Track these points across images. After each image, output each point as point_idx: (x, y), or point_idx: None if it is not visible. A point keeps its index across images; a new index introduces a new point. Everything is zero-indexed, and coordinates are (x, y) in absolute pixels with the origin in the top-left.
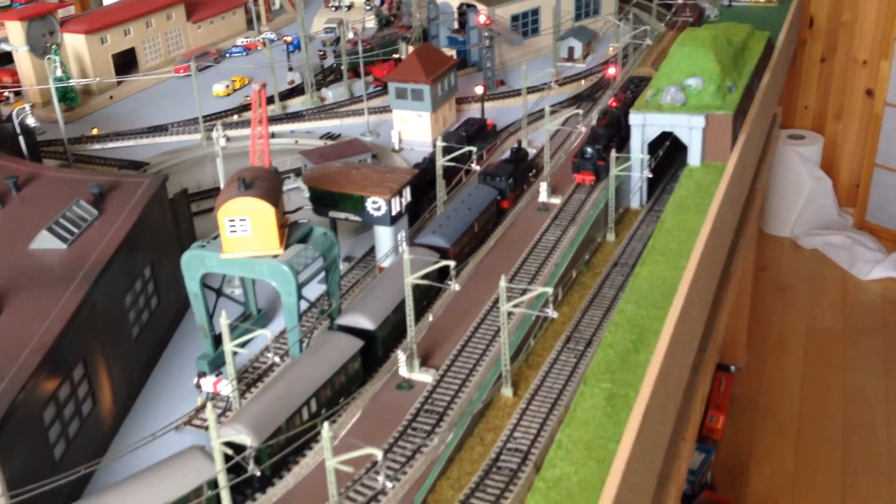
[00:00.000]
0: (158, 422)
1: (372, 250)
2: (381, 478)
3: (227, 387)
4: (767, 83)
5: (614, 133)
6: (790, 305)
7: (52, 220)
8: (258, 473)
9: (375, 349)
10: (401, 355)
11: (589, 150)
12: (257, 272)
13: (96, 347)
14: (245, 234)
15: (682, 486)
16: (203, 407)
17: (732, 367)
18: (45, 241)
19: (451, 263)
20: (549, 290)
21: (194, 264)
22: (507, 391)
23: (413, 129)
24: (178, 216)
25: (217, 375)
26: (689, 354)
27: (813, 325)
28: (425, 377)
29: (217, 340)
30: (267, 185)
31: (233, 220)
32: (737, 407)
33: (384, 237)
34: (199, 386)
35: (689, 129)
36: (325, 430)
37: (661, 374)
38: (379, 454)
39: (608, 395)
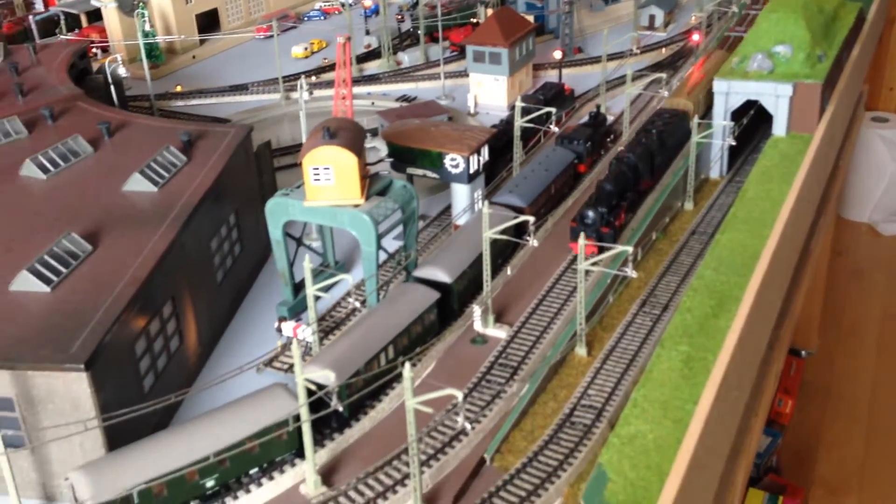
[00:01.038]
0: (240, 363)
1: (447, 209)
2: (460, 419)
3: (306, 331)
4: (857, 56)
5: (626, 187)
6: (865, 292)
7: (144, 164)
8: (340, 408)
9: (451, 302)
10: (476, 310)
11: (590, 213)
12: (338, 221)
13: (184, 287)
14: (328, 183)
15: (751, 462)
16: (283, 350)
17: (803, 352)
18: (137, 184)
19: (531, 218)
20: (630, 248)
21: (278, 211)
22: (581, 350)
23: (489, 93)
24: (262, 167)
25: (297, 321)
26: (767, 326)
27: (889, 311)
28: (499, 333)
29: (297, 288)
30: (351, 135)
31: (317, 169)
32: (806, 392)
33: (461, 195)
34: (279, 330)
35: (776, 98)
36: (407, 369)
37: (741, 340)
38: (459, 395)
39: (685, 357)
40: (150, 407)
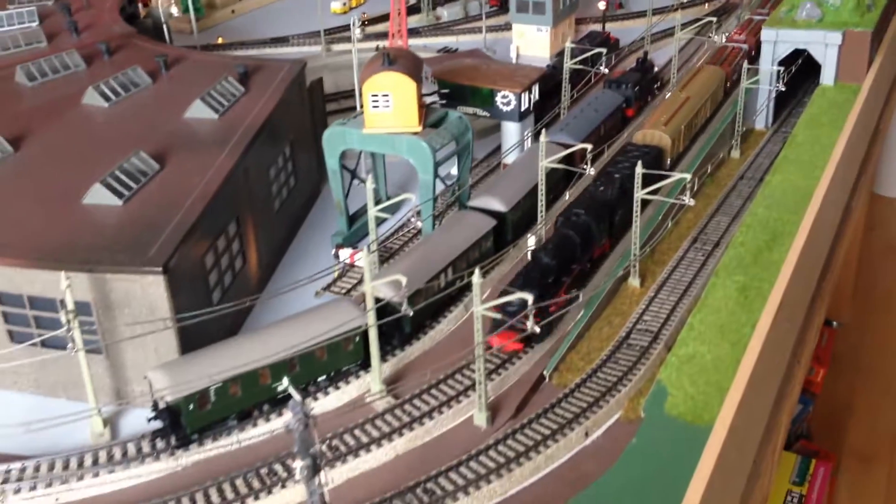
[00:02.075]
0: (297, 289)
1: (494, 152)
2: (530, 322)
3: (363, 259)
4: None
5: (571, 258)
6: None
7: (205, 92)
8: (411, 313)
9: (505, 232)
10: (531, 240)
11: (511, 305)
12: (396, 148)
13: (247, 210)
14: (387, 110)
15: (794, 407)
16: (341, 276)
17: (835, 323)
18: (198, 111)
19: (588, 146)
20: (688, 175)
21: (335, 140)
22: (634, 281)
23: (531, 43)
24: (314, 103)
25: (354, 248)
26: (816, 269)
27: None
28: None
29: (351, 219)
30: (410, 63)
31: (376, 96)
32: (837, 362)
33: (511, 133)
34: (337, 256)
35: (825, 47)
36: (476, 276)
37: (796, 271)
38: (530, 297)
39: (741, 287)
40: (223, 309)
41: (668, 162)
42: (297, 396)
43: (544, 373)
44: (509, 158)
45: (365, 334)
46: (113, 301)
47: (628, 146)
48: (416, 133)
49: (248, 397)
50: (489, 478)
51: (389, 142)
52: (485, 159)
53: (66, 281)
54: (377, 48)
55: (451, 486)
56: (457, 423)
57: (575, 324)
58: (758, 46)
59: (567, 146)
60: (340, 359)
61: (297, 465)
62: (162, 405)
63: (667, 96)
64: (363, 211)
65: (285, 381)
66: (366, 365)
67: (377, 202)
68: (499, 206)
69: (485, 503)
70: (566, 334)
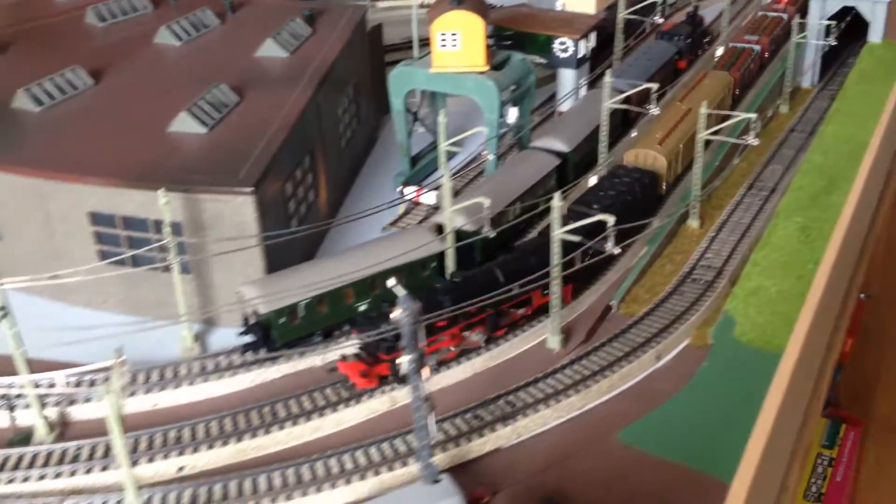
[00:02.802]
0: (363, 225)
1: (547, 101)
2: (609, 244)
3: (429, 196)
4: None
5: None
6: None
7: (274, 32)
8: (493, 234)
9: (567, 172)
10: (592, 179)
11: (386, 341)
12: (462, 88)
13: (318, 145)
14: (454, 49)
15: (842, 339)
16: (406, 213)
17: (862, 295)
18: (269, 50)
19: (654, 85)
20: (753, 115)
21: (402, 80)
22: (693, 222)
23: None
24: (374, 48)
25: (419, 187)
26: (869, 214)
27: None
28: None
29: (413, 160)
30: (477, 3)
31: (444, 35)
32: (865, 334)
33: (567, 80)
34: (402, 193)
35: (873, 4)
36: (556, 199)
37: (856, 211)
38: (611, 219)
39: (801, 227)
40: (308, 230)
41: (664, 187)
42: (403, 293)
43: (611, 302)
44: (564, 106)
45: (440, 260)
46: (202, 222)
47: (618, 170)
48: (482, 72)
49: (333, 315)
50: (567, 392)
51: (456, 81)
52: (537, 109)
53: (164, 198)
54: None
55: (531, 398)
56: (530, 346)
57: (639, 259)
58: (773, 48)
59: (633, 85)
60: (417, 283)
61: (403, 359)
62: (252, 320)
63: (648, 112)
64: (424, 152)
65: (392, 280)
66: None
67: (435, 147)
68: (561, 146)
69: (563, 415)
70: (631, 268)
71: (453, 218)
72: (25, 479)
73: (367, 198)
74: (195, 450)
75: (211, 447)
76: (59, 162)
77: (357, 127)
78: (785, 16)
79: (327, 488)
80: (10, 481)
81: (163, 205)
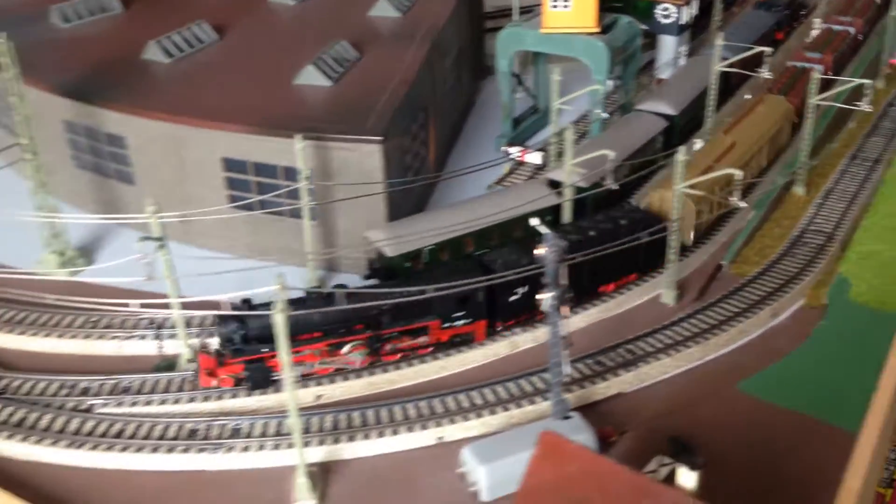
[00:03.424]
0: (466, 184)
1: (644, 67)
2: (734, 197)
3: (534, 156)
4: None
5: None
6: None
7: None
8: (616, 186)
9: (673, 136)
10: (697, 143)
11: (231, 342)
12: (572, 49)
13: (430, 102)
14: (566, 10)
15: None
16: (511, 172)
17: None
18: (383, 10)
19: (767, 49)
20: (868, 81)
21: (510, 41)
22: (799, 189)
23: None
24: (474, 15)
25: (523, 147)
26: None
27: None
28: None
29: (516, 122)
30: None
31: None
32: None
33: (668, 47)
34: (506, 153)
35: None
36: (681, 153)
37: None
38: (739, 173)
39: None
40: (428, 180)
41: (691, 236)
42: (546, 230)
43: (722, 263)
44: (665, 74)
45: (556, 213)
46: (330, 169)
47: (632, 213)
48: (593, 33)
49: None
50: (687, 343)
51: (565, 42)
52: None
53: (300, 144)
54: None
55: (651, 348)
56: (644, 300)
57: (748, 221)
58: (838, 67)
59: (742, 49)
60: (535, 234)
61: (545, 295)
62: (377, 265)
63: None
64: (526, 115)
65: (535, 220)
66: None
67: (535, 111)
68: (669, 109)
69: (683, 365)
70: (740, 230)
71: (572, 172)
72: (176, 402)
73: (467, 159)
74: (331, 381)
75: (346, 379)
76: (194, 109)
77: (458, 90)
78: (820, 66)
79: (459, 420)
80: (162, 402)
81: (299, 150)
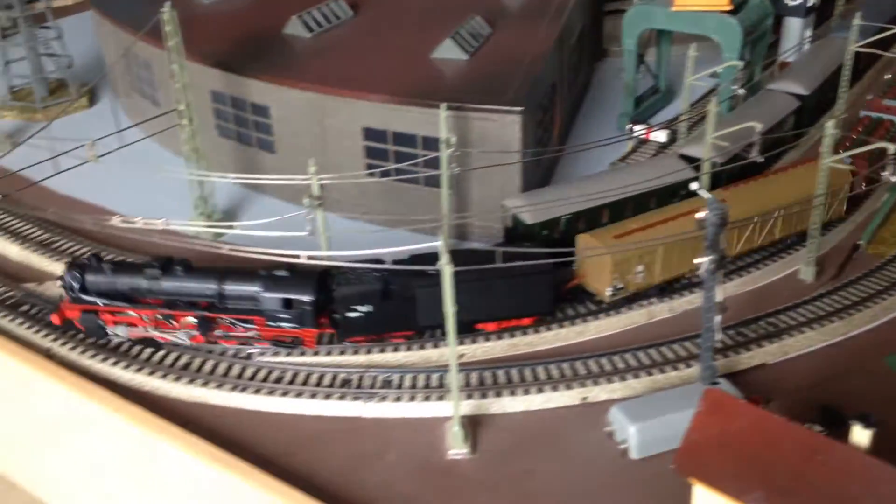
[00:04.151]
0: (589, 161)
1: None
2: (887, 171)
3: (659, 134)
4: None
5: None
6: None
7: None
8: (762, 158)
9: (804, 116)
10: (829, 125)
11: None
12: (703, 27)
13: (557, 77)
14: None
15: None
16: (634, 150)
17: None
18: None
19: None
20: None
21: (638, 20)
22: None
23: None
24: None
25: (647, 125)
26: None
27: None
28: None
29: (638, 101)
30: None
31: None
32: None
33: (794, 30)
34: (631, 131)
35: None
36: (830, 126)
37: None
38: (892, 147)
39: None
40: (566, 151)
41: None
42: (707, 195)
43: (859, 242)
44: (791, 57)
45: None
46: (468, 139)
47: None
48: (725, 11)
49: (588, 231)
50: (831, 318)
51: (697, 20)
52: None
53: (444, 114)
54: None
55: (794, 321)
56: (781, 276)
57: (883, 202)
58: None
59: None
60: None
61: (704, 259)
62: (513, 232)
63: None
64: (647, 94)
65: (696, 184)
66: None
67: (656, 91)
68: (801, 89)
69: (828, 339)
70: (876, 210)
71: (712, 146)
72: (328, 353)
73: (586, 138)
74: (473, 341)
75: (487, 340)
76: (337, 80)
77: (579, 70)
78: None
79: (603, 382)
80: (315, 353)
81: (442, 120)
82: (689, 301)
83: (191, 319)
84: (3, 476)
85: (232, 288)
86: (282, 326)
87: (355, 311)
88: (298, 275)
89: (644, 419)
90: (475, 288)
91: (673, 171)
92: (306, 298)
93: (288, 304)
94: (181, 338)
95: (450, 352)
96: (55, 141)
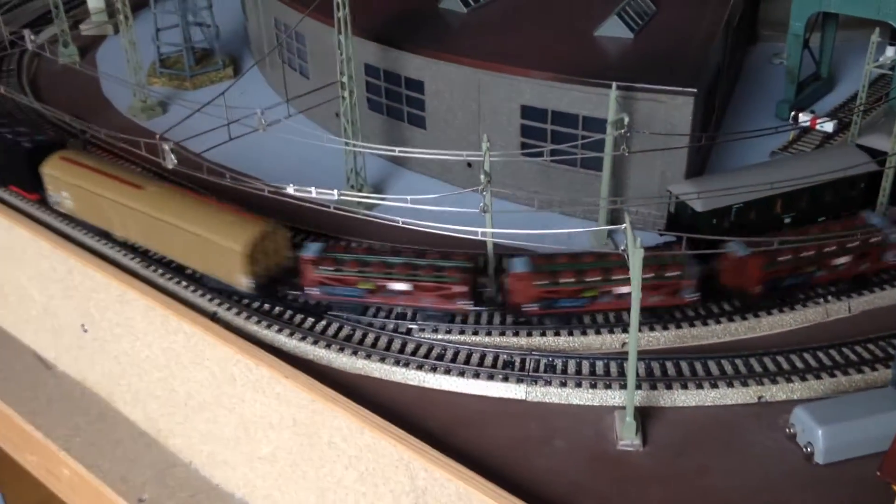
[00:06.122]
0: (746, 150)
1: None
2: None
3: (826, 124)
4: None
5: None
6: None
7: None
8: None
9: None
10: None
11: None
12: (879, 11)
13: (722, 62)
14: None
15: None
16: (797, 139)
17: None
18: None
19: None
20: None
21: (808, 2)
22: None
23: None
24: None
25: (812, 114)
26: None
27: None
28: None
29: (799, 87)
30: None
31: None
32: None
33: None
34: (795, 119)
35: None
36: None
37: None
38: None
39: None
40: (739, 136)
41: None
42: None
43: None
44: None
45: (870, 179)
46: (633, 121)
47: None
48: None
49: (760, 223)
50: None
51: (872, 4)
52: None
53: (614, 94)
54: None
55: None
56: None
57: None
58: None
59: None
60: (844, 201)
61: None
62: (679, 220)
63: None
64: (808, 81)
65: None
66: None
67: (817, 78)
68: None
69: None
70: None
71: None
72: (488, 334)
73: (742, 124)
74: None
75: (652, 329)
76: (496, 56)
77: (737, 54)
78: None
79: (781, 381)
80: (475, 333)
81: (612, 100)
82: (868, 301)
83: None
84: (146, 433)
85: None
86: None
87: None
88: None
89: (833, 422)
90: None
91: (854, 163)
92: None
93: None
94: None
95: (630, 339)
96: (201, 110)
